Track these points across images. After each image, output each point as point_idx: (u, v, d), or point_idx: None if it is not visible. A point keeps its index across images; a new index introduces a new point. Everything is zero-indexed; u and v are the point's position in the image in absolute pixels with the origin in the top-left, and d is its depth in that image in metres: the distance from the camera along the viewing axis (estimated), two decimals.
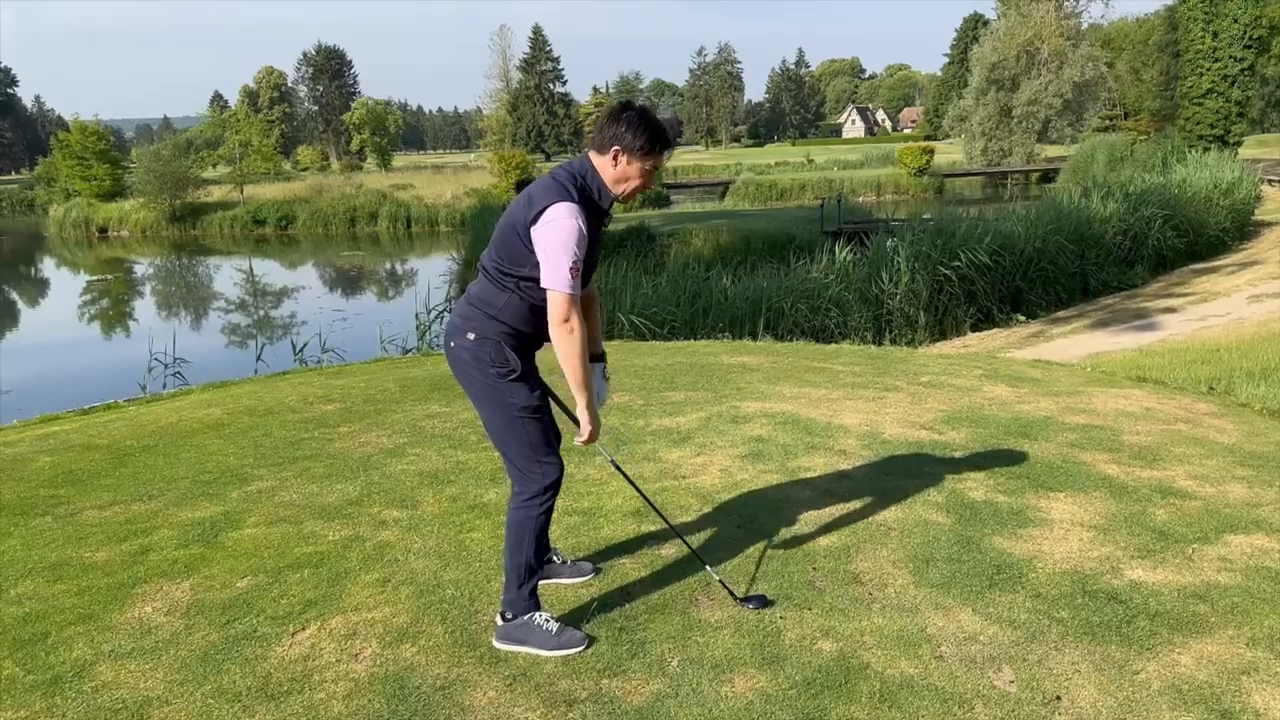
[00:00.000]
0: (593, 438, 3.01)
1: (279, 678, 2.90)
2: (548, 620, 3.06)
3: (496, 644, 3.06)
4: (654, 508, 3.59)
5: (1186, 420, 5.75)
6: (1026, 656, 2.97)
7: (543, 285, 2.81)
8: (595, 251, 2.98)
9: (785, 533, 3.94)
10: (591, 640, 3.06)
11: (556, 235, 2.76)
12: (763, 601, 3.30)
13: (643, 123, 2.86)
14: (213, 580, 3.60)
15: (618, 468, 3.41)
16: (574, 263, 2.78)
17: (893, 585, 3.47)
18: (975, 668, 2.91)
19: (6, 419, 7.19)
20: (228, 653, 3.05)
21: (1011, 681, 2.84)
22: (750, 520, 4.08)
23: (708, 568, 3.46)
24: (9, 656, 3.06)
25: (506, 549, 3.06)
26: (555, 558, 3.54)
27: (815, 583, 3.49)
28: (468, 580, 3.53)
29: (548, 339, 2.95)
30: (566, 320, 2.81)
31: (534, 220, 2.79)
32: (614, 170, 2.89)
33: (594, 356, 3.12)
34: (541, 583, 3.37)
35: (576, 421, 3.09)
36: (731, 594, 3.35)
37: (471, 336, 2.95)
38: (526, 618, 3.05)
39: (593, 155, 2.92)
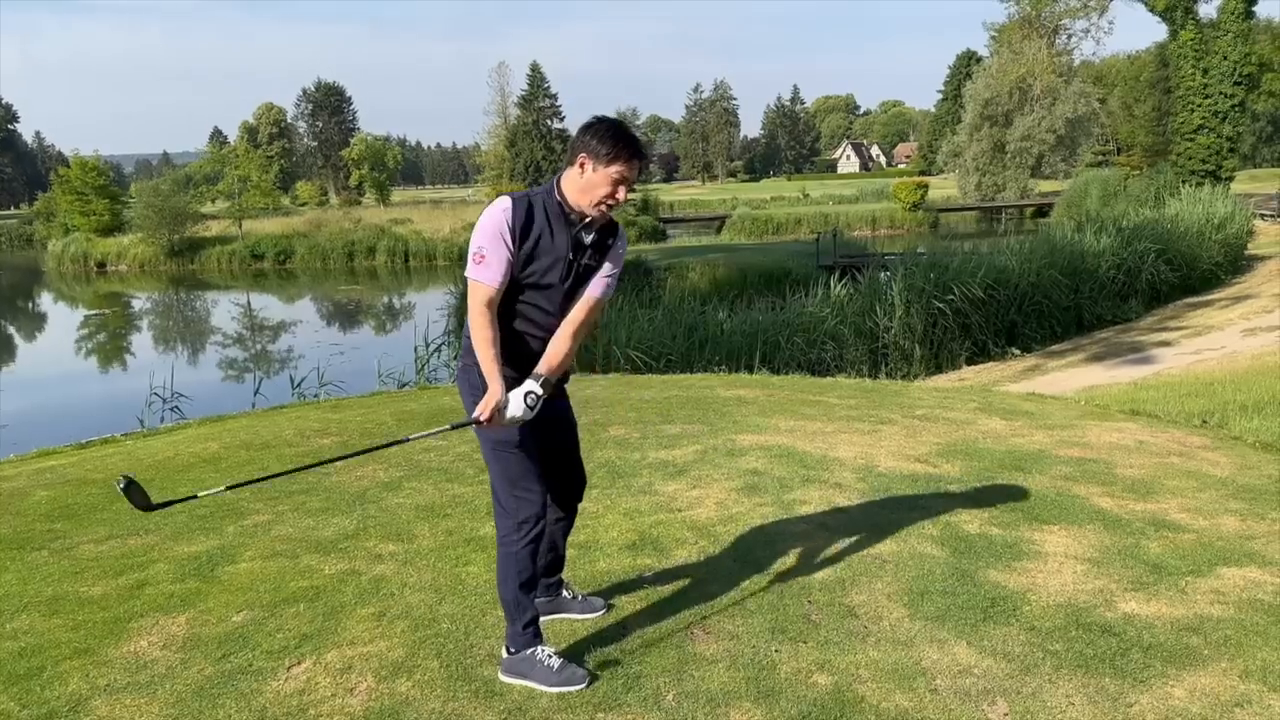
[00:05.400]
0: (491, 413, 2.78)
1: (274, 712, 2.90)
2: (549, 655, 3.04)
3: (501, 676, 3.06)
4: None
5: (1180, 453, 5.78)
6: (1021, 689, 2.97)
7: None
8: (574, 266, 2.92)
9: (780, 566, 3.95)
10: (594, 678, 3.04)
11: (478, 226, 2.84)
12: None
13: (610, 131, 2.83)
14: (208, 614, 3.60)
15: None
16: (482, 251, 2.81)
17: (888, 618, 3.47)
18: (970, 701, 2.91)
19: (4, 453, 7.19)
20: (223, 687, 3.05)
21: (1006, 715, 2.84)
22: (746, 553, 4.08)
23: None
24: (4, 691, 3.06)
25: (497, 584, 3.07)
26: (566, 592, 3.52)
27: (810, 616, 3.49)
28: (463, 614, 3.54)
29: (533, 357, 2.94)
30: (475, 309, 2.85)
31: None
32: (581, 180, 2.85)
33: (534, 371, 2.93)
34: (550, 617, 3.38)
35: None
36: None
37: (461, 365, 3.03)
38: (529, 652, 3.04)
39: (565, 171, 2.92)
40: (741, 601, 3.61)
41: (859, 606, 3.57)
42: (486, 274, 2.82)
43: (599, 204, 2.85)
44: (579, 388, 3.11)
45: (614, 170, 2.82)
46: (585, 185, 2.85)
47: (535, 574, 3.08)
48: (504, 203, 2.84)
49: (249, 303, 35.37)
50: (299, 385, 11.66)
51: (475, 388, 2.95)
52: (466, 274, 2.86)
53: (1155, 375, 12.67)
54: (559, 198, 2.89)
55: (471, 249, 2.84)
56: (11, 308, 38.59)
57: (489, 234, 2.81)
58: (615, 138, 2.82)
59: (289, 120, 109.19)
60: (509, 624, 3.07)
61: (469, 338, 2.98)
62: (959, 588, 3.71)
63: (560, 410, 3.19)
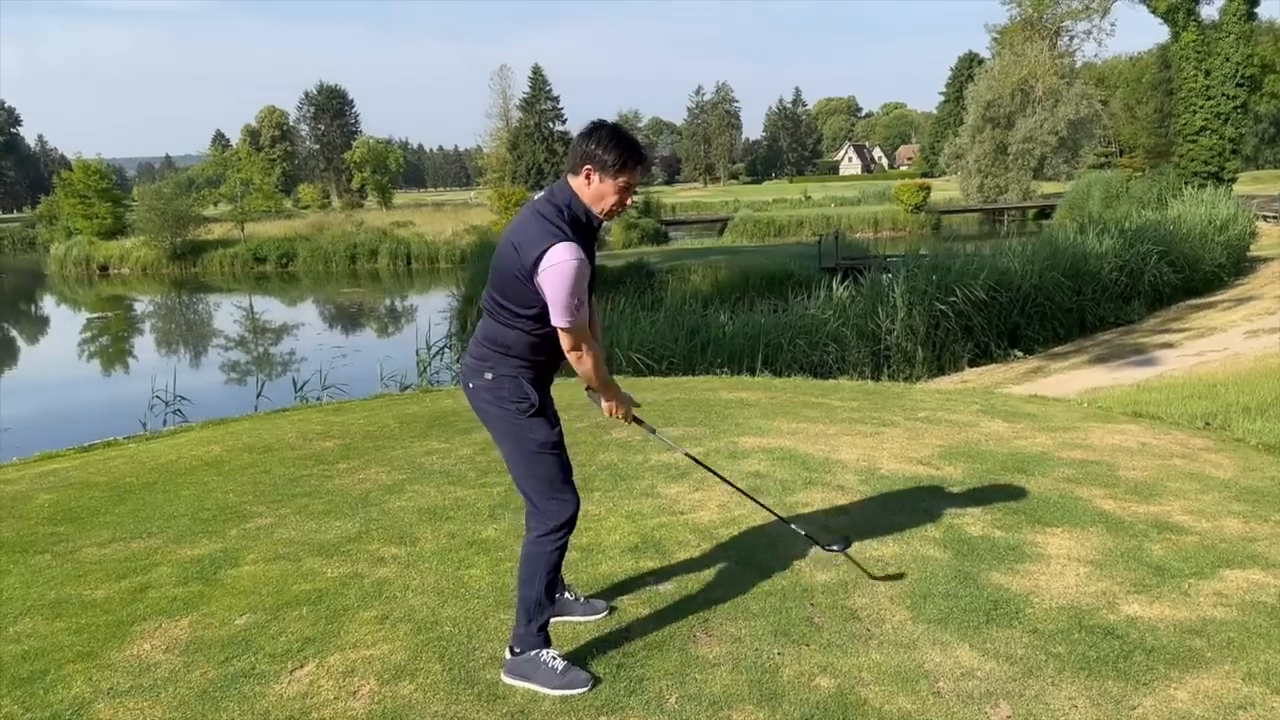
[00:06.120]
0: (624, 405, 3.19)
1: (277, 715, 2.90)
2: (554, 658, 3.05)
3: (504, 678, 3.06)
4: (746, 494, 4.06)
5: (1183, 455, 5.77)
6: (1024, 692, 2.97)
7: (554, 324, 2.86)
8: (592, 270, 3.01)
9: (783, 568, 3.95)
10: (597, 681, 3.05)
11: (561, 279, 2.77)
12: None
13: (613, 140, 2.85)
14: (211, 618, 3.60)
15: (696, 460, 3.84)
16: (579, 300, 2.82)
17: (890, 621, 3.47)
18: (973, 703, 2.91)
19: (6, 456, 7.20)
20: (226, 690, 3.05)
21: (1009, 717, 2.84)
22: (748, 556, 4.08)
23: (792, 525, 3.83)
24: (8, 694, 3.06)
25: (519, 583, 3.07)
26: (569, 594, 3.53)
27: (813, 619, 3.49)
28: (466, 617, 3.54)
29: (559, 364, 3.05)
30: (577, 349, 2.92)
31: (535, 265, 2.79)
32: (589, 190, 2.89)
33: None
34: (553, 620, 3.37)
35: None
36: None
37: (489, 376, 2.99)
38: (534, 654, 3.05)
39: (569, 178, 2.92)
40: (744, 604, 3.61)
41: (861, 609, 3.57)
42: (582, 316, 2.87)
43: (608, 212, 2.92)
44: (581, 390, 3.09)
45: (622, 180, 2.87)
46: (594, 195, 2.90)
47: (558, 575, 3.12)
48: (575, 251, 2.78)
49: (251, 305, 35.41)
50: (301, 388, 11.67)
51: (513, 397, 2.97)
52: (561, 324, 2.84)
53: (1158, 377, 12.65)
54: (585, 216, 2.91)
55: (567, 302, 2.79)
56: (14, 311, 38.62)
57: (579, 284, 2.80)
58: (620, 146, 2.85)
59: (291, 123, 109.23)
60: (523, 624, 3.08)
61: (487, 348, 3.00)
62: (961, 590, 3.71)
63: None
